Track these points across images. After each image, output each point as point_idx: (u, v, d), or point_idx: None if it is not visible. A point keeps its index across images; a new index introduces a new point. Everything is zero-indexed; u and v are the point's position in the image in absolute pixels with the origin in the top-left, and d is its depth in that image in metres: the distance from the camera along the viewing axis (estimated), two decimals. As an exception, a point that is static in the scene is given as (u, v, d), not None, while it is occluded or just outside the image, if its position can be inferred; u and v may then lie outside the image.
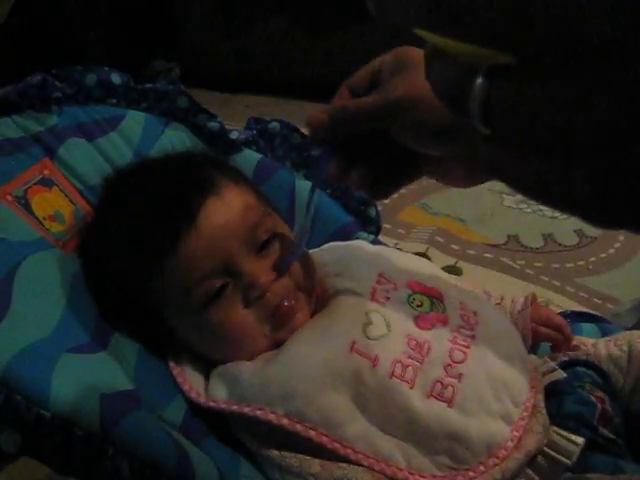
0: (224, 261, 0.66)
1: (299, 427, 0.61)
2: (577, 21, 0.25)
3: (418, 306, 0.69)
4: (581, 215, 0.30)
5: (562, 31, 0.26)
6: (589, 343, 0.77)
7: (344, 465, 0.61)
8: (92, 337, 0.67)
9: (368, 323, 0.66)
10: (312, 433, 0.61)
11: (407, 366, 0.64)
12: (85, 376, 0.61)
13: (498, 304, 0.80)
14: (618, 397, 0.70)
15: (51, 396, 0.57)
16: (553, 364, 0.72)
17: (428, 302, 0.70)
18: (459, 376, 0.64)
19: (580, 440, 0.64)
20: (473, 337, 0.67)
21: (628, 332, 0.77)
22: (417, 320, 0.67)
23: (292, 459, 0.62)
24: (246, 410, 0.63)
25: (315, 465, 0.61)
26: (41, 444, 0.57)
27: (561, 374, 0.70)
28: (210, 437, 0.67)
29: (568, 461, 0.63)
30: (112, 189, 0.74)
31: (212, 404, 0.65)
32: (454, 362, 0.65)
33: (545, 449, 0.64)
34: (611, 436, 0.66)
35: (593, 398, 0.67)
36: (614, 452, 0.65)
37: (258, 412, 0.62)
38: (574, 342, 0.78)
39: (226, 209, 0.67)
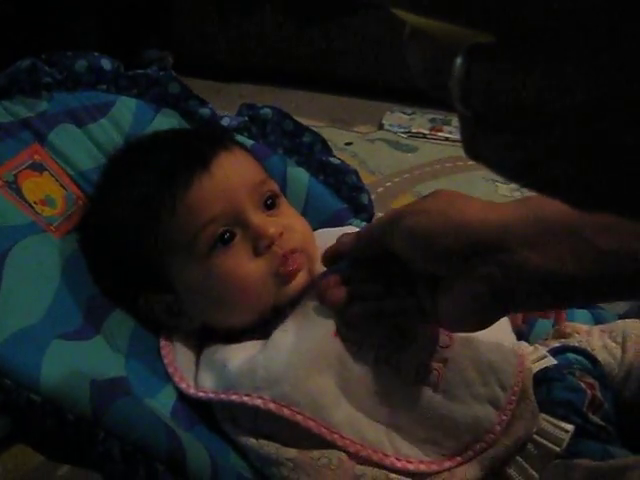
0: (234, 209, 0.67)
1: (286, 411, 0.61)
2: (558, 3, 0.25)
3: None
4: (564, 198, 0.30)
5: (542, 10, 0.25)
6: (583, 330, 0.77)
7: (322, 450, 0.61)
8: (83, 323, 0.66)
9: None
10: (299, 417, 0.61)
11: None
12: (75, 362, 0.61)
13: None
14: (609, 384, 0.70)
15: (41, 380, 0.57)
16: (543, 351, 0.72)
17: None
18: (444, 361, 0.64)
19: (569, 427, 0.64)
20: None
21: (622, 322, 0.77)
22: None
23: (270, 447, 0.62)
24: (233, 397, 0.63)
25: (291, 451, 0.62)
26: (32, 429, 0.57)
27: (551, 361, 0.70)
28: (200, 425, 0.67)
29: (558, 448, 0.63)
30: (120, 154, 0.76)
31: (201, 394, 0.65)
32: (439, 347, 0.65)
33: (535, 436, 0.64)
34: (601, 423, 0.66)
35: (583, 385, 0.67)
36: (603, 439, 0.65)
37: (245, 398, 0.62)
38: (568, 328, 0.78)
39: (237, 162, 0.70)
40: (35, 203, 0.71)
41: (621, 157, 0.27)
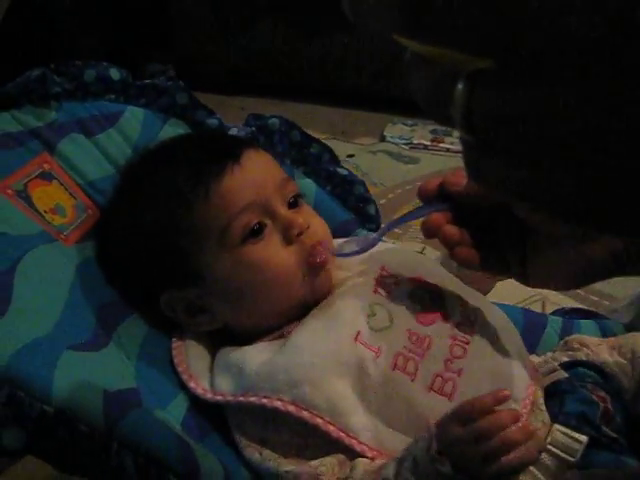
0: (264, 200, 0.68)
1: (306, 414, 0.61)
2: (557, 28, 0.25)
3: (420, 301, 0.69)
4: (566, 219, 0.31)
5: (542, 35, 0.26)
6: (592, 344, 0.76)
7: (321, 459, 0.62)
8: (94, 333, 0.66)
9: (372, 314, 0.66)
10: (319, 421, 0.61)
11: (409, 359, 0.64)
12: (87, 373, 0.61)
13: None
14: (621, 398, 0.70)
15: (53, 392, 0.56)
16: (554, 364, 0.72)
17: (429, 298, 0.70)
18: (459, 371, 0.64)
19: (583, 438, 0.64)
20: (472, 333, 0.67)
21: (631, 336, 0.77)
22: (418, 315, 0.68)
23: (271, 462, 0.62)
24: (252, 399, 0.63)
25: (290, 464, 0.62)
26: (45, 440, 0.56)
27: (562, 374, 0.70)
28: (212, 436, 0.67)
29: (572, 459, 0.63)
30: (141, 158, 0.76)
31: (219, 398, 0.65)
32: (454, 357, 0.65)
33: (549, 447, 0.64)
34: (613, 435, 0.66)
35: (595, 397, 0.68)
36: (616, 450, 0.65)
37: (264, 400, 0.62)
38: (576, 342, 0.78)
39: (263, 158, 0.73)
40: (45, 212, 0.71)
41: (621, 179, 0.27)
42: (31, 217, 0.69)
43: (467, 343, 0.66)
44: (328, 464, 0.61)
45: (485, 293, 0.80)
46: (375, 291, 0.69)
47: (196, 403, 0.67)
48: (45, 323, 0.62)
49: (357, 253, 0.69)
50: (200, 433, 0.66)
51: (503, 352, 0.68)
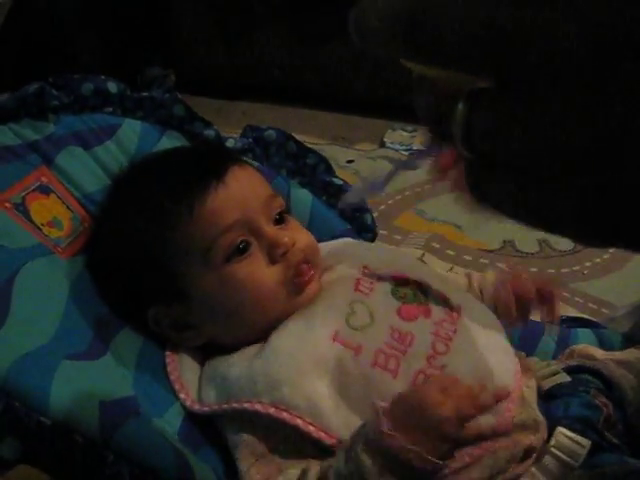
0: (249, 218, 0.68)
1: (285, 415, 0.62)
2: (553, 43, 0.26)
3: (401, 297, 0.69)
4: (570, 236, 0.30)
5: (537, 55, 0.26)
6: (599, 355, 0.77)
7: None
8: (91, 343, 0.67)
9: (351, 313, 0.67)
10: (299, 421, 0.62)
11: (390, 356, 0.64)
12: (84, 383, 0.61)
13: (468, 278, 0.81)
14: (623, 408, 0.70)
15: (51, 403, 0.57)
16: (557, 367, 0.72)
17: (412, 294, 0.70)
18: (442, 367, 0.64)
19: (586, 442, 0.65)
20: (455, 330, 0.68)
21: (637, 351, 0.77)
22: (400, 311, 0.68)
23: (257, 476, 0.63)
24: (234, 405, 0.64)
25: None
26: (42, 451, 0.57)
27: (565, 377, 0.71)
28: (207, 446, 0.67)
29: (575, 463, 0.64)
30: (128, 171, 0.76)
31: (205, 409, 0.66)
32: (437, 354, 0.65)
33: (552, 449, 0.65)
34: (616, 441, 0.66)
35: (598, 402, 0.68)
36: (618, 457, 0.66)
37: (246, 404, 0.63)
38: (583, 351, 0.78)
39: (248, 175, 0.72)
40: (42, 225, 0.71)
41: (623, 198, 0.27)
42: (29, 230, 0.70)
43: (450, 339, 0.66)
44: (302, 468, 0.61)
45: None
46: (356, 289, 0.69)
47: (191, 412, 0.68)
48: (42, 334, 0.63)
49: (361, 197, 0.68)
50: (196, 442, 0.66)
51: (487, 348, 0.67)
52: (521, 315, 0.75)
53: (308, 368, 0.63)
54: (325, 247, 0.76)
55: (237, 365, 0.66)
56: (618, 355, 0.77)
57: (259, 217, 0.69)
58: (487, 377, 0.65)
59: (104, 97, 0.82)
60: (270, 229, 0.69)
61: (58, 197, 0.75)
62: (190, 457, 0.62)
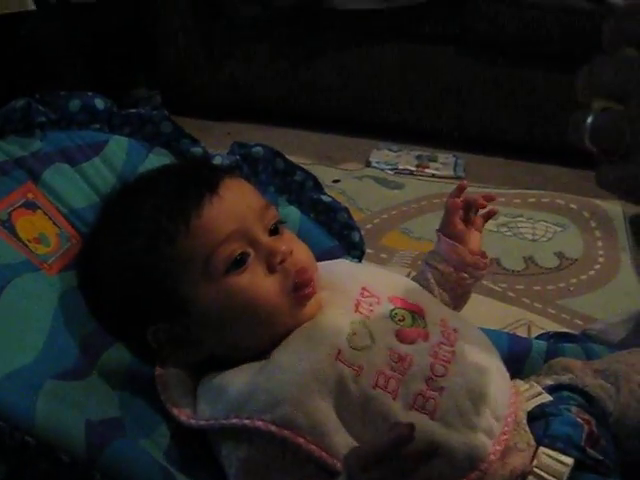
0: (245, 229, 0.68)
1: (287, 433, 0.61)
2: None
3: (400, 321, 0.70)
4: None
5: None
6: (577, 367, 0.77)
7: None
8: (78, 362, 0.66)
9: (352, 333, 0.67)
10: (301, 440, 0.61)
11: (390, 378, 0.64)
12: (70, 403, 0.60)
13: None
14: (606, 421, 0.70)
15: (35, 422, 0.56)
16: (539, 388, 0.73)
17: (410, 317, 0.71)
18: (440, 389, 0.65)
19: (569, 461, 0.65)
20: (453, 353, 0.68)
21: (614, 360, 0.77)
22: (399, 334, 0.68)
23: None
24: (234, 421, 0.63)
25: None
26: (26, 472, 0.56)
27: (547, 397, 0.71)
28: (198, 464, 0.66)
29: None
30: (120, 190, 0.76)
31: (202, 423, 0.65)
32: (435, 376, 0.66)
33: (535, 469, 0.65)
34: (599, 457, 0.66)
35: (580, 420, 0.68)
36: (602, 472, 0.66)
37: (246, 421, 0.62)
38: (561, 364, 0.78)
39: (241, 187, 0.72)
40: (29, 241, 0.71)
41: None
42: (15, 246, 0.69)
43: (448, 362, 0.67)
44: None
45: (465, 299, 0.83)
46: (356, 310, 0.69)
47: (180, 432, 0.67)
48: (28, 352, 0.62)
49: None
50: (185, 462, 0.65)
51: (484, 371, 0.68)
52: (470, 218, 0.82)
53: (311, 386, 0.63)
54: (322, 266, 0.76)
55: (238, 381, 0.65)
56: (597, 364, 0.77)
57: (255, 227, 0.69)
58: (485, 401, 0.66)
59: (91, 113, 0.82)
60: (266, 239, 0.69)
61: (44, 213, 0.74)
62: (179, 477, 0.61)
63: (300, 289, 0.68)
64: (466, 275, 0.81)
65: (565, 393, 0.72)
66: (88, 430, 0.57)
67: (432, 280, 0.81)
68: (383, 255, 1.50)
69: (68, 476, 0.56)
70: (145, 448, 0.61)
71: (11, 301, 0.64)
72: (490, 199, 0.83)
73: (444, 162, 2.02)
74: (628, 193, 0.44)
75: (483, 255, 0.83)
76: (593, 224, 1.66)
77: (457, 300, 0.82)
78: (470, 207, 0.83)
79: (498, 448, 0.64)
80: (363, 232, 0.97)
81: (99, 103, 0.82)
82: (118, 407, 0.65)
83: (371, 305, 0.71)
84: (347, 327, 0.67)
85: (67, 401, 0.60)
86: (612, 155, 0.44)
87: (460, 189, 0.84)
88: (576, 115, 0.46)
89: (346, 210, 0.93)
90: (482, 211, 0.84)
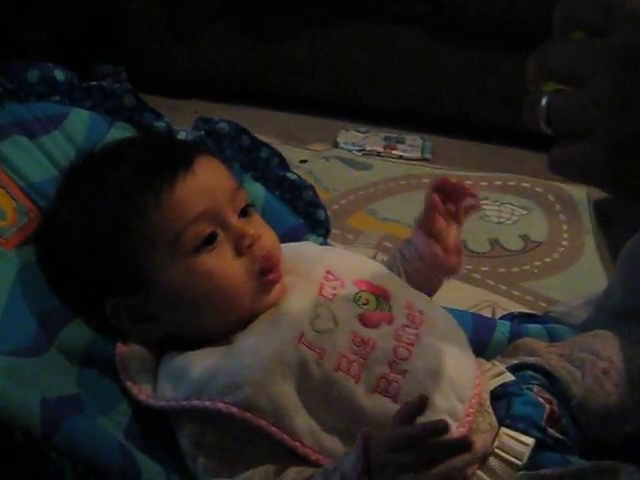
0: (216, 209, 0.67)
1: (249, 415, 0.61)
2: None
3: (364, 304, 0.69)
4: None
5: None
6: (542, 348, 0.77)
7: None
8: (35, 338, 0.65)
9: (316, 317, 0.66)
10: (263, 422, 0.61)
11: (352, 361, 0.64)
12: (25, 379, 0.60)
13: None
14: (567, 402, 0.71)
15: None
16: (502, 367, 0.73)
17: (374, 300, 0.70)
18: (403, 372, 0.65)
19: (530, 441, 0.65)
20: (417, 335, 0.68)
21: (580, 342, 0.78)
22: (362, 318, 0.68)
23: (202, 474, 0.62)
24: (195, 403, 0.62)
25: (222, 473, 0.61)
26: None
27: (509, 377, 0.72)
28: (157, 443, 0.66)
29: (519, 462, 0.64)
30: (84, 163, 0.74)
31: (162, 403, 0.64)
32: (398, 359, 0.66)
33: (496, 450, 0.65)
34: (559, 436, 0.67)
35: (541, 399, 0.69)
36: (562, 451, 0.67)
37: (207, 403, 0.62)
38: (526, 346, 0.78)
39: (215, 166, 0.71)
40: (-16, 215, 0.69)
41: None
42: (-31, 220, 0.68)
43: (412, 344, 0.67)
44: (260, 474, 0.61)
45: (431, 295, 0.81)
46: (320, 294, 0.69)
47: (141, 410, 0.66)
48: None
49: None
50: (144, 441, 0.65)
51: (448, 353, 0.68)
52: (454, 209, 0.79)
53: (273, 369, 0.62)
54: (287, 248, 0.75)
55: (200, 363, 0.65)
56: (561, 347, 0.77)
57: (226, 208, 0.68)
58: (449, 383, 0.66)
59: (51, 85, 0.80)
60: (236, 221, 0.68)
61: (1, 187, 0.72)
62: (138, 455, 0.61)
63: (265, 274, 0.67)
64: (437, 273, 0.80)
65: (528, 372, 0.73)
66: (43, 407, 0.56)
67: (402, 270, 0.80)
68: (349, 236, 1.49)
69: (23, 454, 0.55)
70: (103, 426, 0.61)
71: (-36, 276, 0.63)
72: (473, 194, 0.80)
73: (412, 144, 2.02)
74: (579, 173, 0.45)
75: (459, 251, 0.80)
76: (558, 207, 1.67)
77: (426, 291, 0.80)
78: (451, 195, 0.80)
79: (462, 430, 0.65)
80: (329, 212, 0.97)
81: (59, 74, 0.80)
82: (76, 384, 0.64)
83: (335, 289, 0.70)
84: (311, 311, 0.67)
85: (22, 378, 0.59)
86: (568, 136, 0.45)
87: (440, 184, 0.80)
88: (531, 98, 0.46)
89: (311, 188, 0.93)
90: (468, 201, 0.80)
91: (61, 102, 0.81)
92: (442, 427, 0.56)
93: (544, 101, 0.45)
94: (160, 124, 0.86)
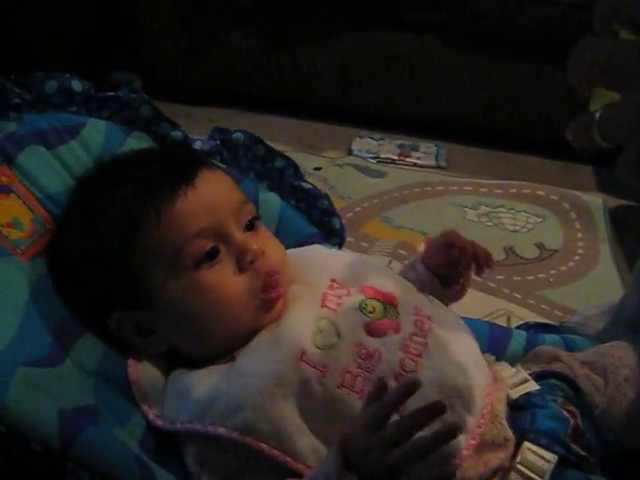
0: (219, 224, 0.67)
1: (249, 439, 0.60)
2: None
3: (370, 312, 0.68)
4: None
5: None
6: (563, 356, 0.76)
7: None
8: (52, 348, 0.65)
9: (318, 331, 0.65)
10: (264, 446, 0.60)
11: (357, 376, 0.63)
12: (43, 390, 0.60)
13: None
14: (590, 414, 0.70)
15: (7, 410, 0.55)
16: (525, 374, 0.72)
17: (381, 308, 0.69)
18: None
19: (553, 457, 0.65)
20: (425, 344, 0.66)
21: (601, 353, 0.77)
22: (368, 327, 0.67)
23: None
24: (197, 427, 0.62)
25: None
26: (-3, 461, 0.55)
27: (533, 386, 0.70)
28: (171, 455, 0.65)
29: (541, 479, 0.64)
30: (94, 172, 0.74)
31: (168, 427, 0.64)
32: (405, 372, 0.64)
33: (518, 466, 0.64)
34: (583, 453, 0.66)
35: (565, 413, 0.68)
36: (585, 469, 0.66)
37: (209, 427, 0.61)
38: (549, 352, 0.78)
39: (219, 180, 0.71)
40: (2, 226, 0.69)
41: None
42: (-13, 231, 0.68)
43: (419, 355, 0.65)
44: None
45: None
46: (323, 305, 0.68)
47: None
48: (0, 339, 0.61)
49: None
50: (160, 452, 0.65)
51: (457, 362, 0.67)
52: (455, 266, 0.75)
53: (273, 391, 0.62)
54: (293, 254, 0.74)
55: (202, 384, 0.64)
56: (583, 356, 0.77)
57: (229, 223, 0.67)
58: (457, 394, 0.65)
59: (68, 96, 0.80)
60: (240, 235, 0.68)
61: (19, 197, 0.73)
62: (154, 467, 0.61)
63: (267, 291, 0.67)
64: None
65: (552, 381, 0.72)
66: (61, 418, 0.57)
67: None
68: (364, 243, 1.49)
69: (41, 465, 0.55)
70: (119, 437, 0.60)
71: (-17, 287, 0.63)
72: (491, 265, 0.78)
73: (426, 151, 2.02)
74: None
75: (463, 288, 0.79)
76: (573, 215, 1.66)
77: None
78: (469, 257, 0.76)
79: (472, 442, 0.63)
80: (344, 220, 0.96)
81: (76, 85, 0.80)
82: (92, 395, 0.64)
83: (340, 297, 0.69)
84: (312, 325, 0.66)
85: (40, 389, 0.59)
86: (629, 143, 0.45)
87: (453, 240, 0.76)
88: (581, 119, 0.47)
89: (326, 197, 0.92)
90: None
91: (78, 112, 0.81)
92: (412, 385, 0.55)
93: (597, 117, 0.46)
94: (176, 134, 0.86)
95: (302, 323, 0.66)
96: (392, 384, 0.62)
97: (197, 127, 0.95)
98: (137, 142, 0.84)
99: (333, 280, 0.71)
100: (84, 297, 0.69)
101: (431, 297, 0.76)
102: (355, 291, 0.70)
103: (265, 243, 0.69)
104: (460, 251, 0.75)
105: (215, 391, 0.63)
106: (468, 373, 0.67)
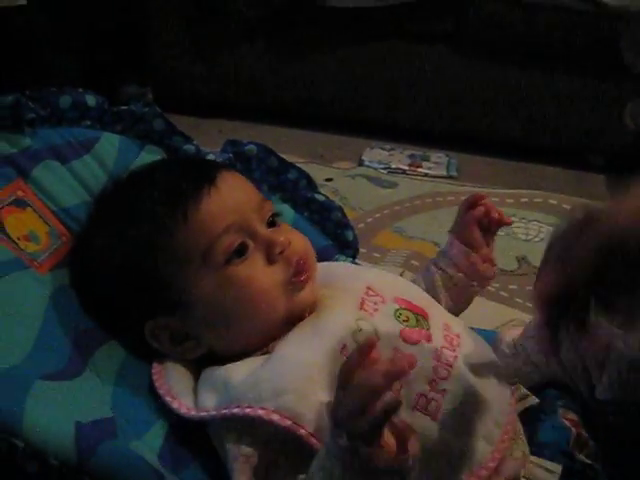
0: (244, 220, 0.68)
1: (289, 423, 0.60)
2: None
3: (404, 321, 0.69)
4: None
5: None
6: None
7: None
8: (69, 361, 0.65)
9: (358, 330, 0.66)
10: (302, 432, 0.60)
11: None
12: (60, 404, 0.60)
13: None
14: (590, 413, 0.71)
15: (24, 425, 0.55)
16: (524, 390, 0.73)
17: (414, 318, 0.70)
18: (443, 392, 0.64)
19: (557, 468, 0.65)
20: (456, 357, 0.68)
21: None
22: (403, 334, 0.68)
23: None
24: (235, 410, 0.61)
25: None
26: (14, 475, 0.55)
27: (534, 400, 0.71)
28: (190, 468, 0.65)
29: None
30: (114, 188, 0.75)
31: (203, 414, 0.64)
32: (438, 378, 0.65)
33: (522, 479, 0.64)
34: (587, 461, 0.67)
35: (567, 422, 0.68)
36: (590, 477, 0.66)
37: (247, 410, 0.61)
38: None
39: (238, 180, 0.73)
40: (19, 239, 0.70)
41: None
42: (4, 244, 0.68)
43: (450, 366, 0.66)
44: None
45: (462, 311, 0.83)
46: (361, 308, 0.69)
47: (174, 431, 0.66)
48: (17, 352, 0.61)
49: None
50: (177, 464, 0.64)
51: (485, 378, 0.68)
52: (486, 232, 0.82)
53: (315, 379, 0.62)
54: (325, 267, 0.76)
55: (241, 371, 0.65)
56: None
57: (253, 219, 0.69)
58: (486, 407, 0.65)
59: (82, 110, 0.80)
60: (265, 231, 0.69)
61: (34, 211, 0.73)
62: (170, 478, 0.60)
63: (298, 275, 0.69)
64: (474, 282, 0.82)
65: (550, 391, 0.73)
66: (78, 432, 0.56)
67: (439, 283, 0.81)
68: (375, 254, 1.49)
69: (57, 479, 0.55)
70: (137, 450, 0.60)
71: (0, 300, 0.63)
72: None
73: (437, 161, 2.02)
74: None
75: (492, 263, 0.83)
76: (586, 224, 1.66)
77: (460, 305, 0.83)
78: (487, 216, 0.83)
79: (497, 455, 0.64)
80: (355, 231, 0.97)
81: (90, 100, 0.81)
82: (110, 407, 0.63)
83: (376, 304, 0.70)
84: (352, 323, 0.67)
85: (57, 402, 0.59)
86: None
87: (478, 198, 0.84)
88: (636, 103, 0.46)
89: (340, 209, 0.93)
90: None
91: (92, 127, 0.82)
92: (370, 341, 0.55)
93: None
94: (189, 147, 0.87)
95: (343, 319, 0.67)
96: (426, 389, 0.64)
97: (206, 139, 0.96)
98: (151, 156, 0.84)
99: (369, 288, 0.72)
100: (115, 308, 0.70)
101: (457, 318, 0.78)
102: (390, 300, 0.71)
103: (289, 235, 0.71)
104: (483, 205, 0.82)
105: (255, 377, 0.63)
106: (495, 389, 0.68)
